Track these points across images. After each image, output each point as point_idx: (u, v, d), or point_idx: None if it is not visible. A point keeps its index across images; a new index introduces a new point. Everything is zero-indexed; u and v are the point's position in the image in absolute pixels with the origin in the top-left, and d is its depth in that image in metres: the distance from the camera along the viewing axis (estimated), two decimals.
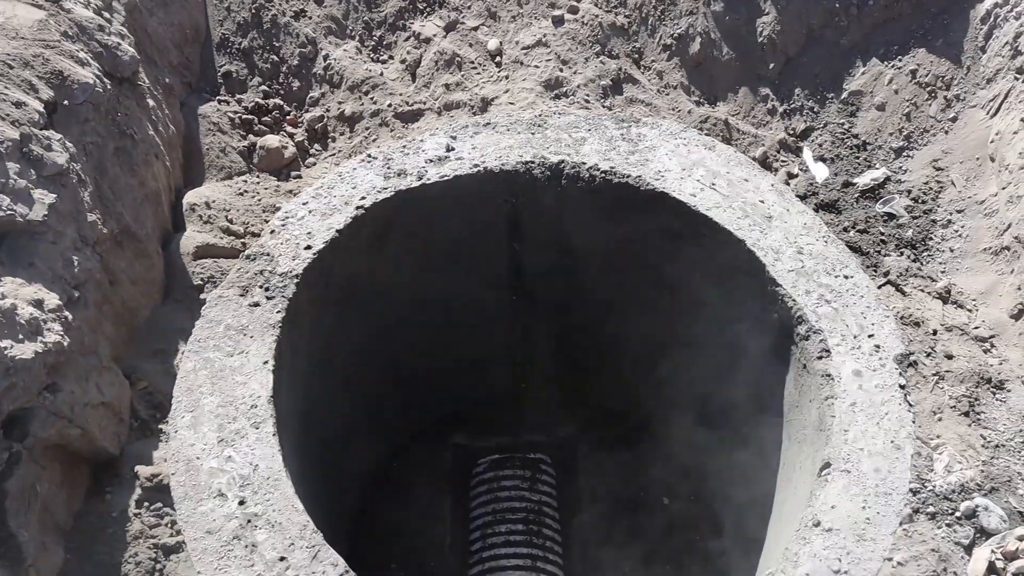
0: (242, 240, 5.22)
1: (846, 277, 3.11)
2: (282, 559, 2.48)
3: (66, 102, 4.31)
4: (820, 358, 2.96)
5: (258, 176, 5.73)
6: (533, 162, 3.41)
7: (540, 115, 3.59)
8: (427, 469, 4.60)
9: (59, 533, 3.90)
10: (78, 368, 3.98)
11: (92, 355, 4.12)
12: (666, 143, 3.49)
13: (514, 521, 4.24)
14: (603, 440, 4.68)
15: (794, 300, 3.06)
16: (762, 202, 3.30)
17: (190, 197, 5.33)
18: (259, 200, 5.51)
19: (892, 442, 2.76)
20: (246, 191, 5.55)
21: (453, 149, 3.45)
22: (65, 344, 3.80)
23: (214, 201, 5.34)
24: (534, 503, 4.33)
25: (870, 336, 2.97)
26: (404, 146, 3.48)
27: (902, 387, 2.87)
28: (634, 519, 4.46)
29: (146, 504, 4.11)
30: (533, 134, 3.52)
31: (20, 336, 3.59)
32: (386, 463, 4.61)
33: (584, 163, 3.40)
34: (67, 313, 3.90)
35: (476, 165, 3.40)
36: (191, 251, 5.04)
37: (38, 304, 3.76)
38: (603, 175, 3.38)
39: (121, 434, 4.27)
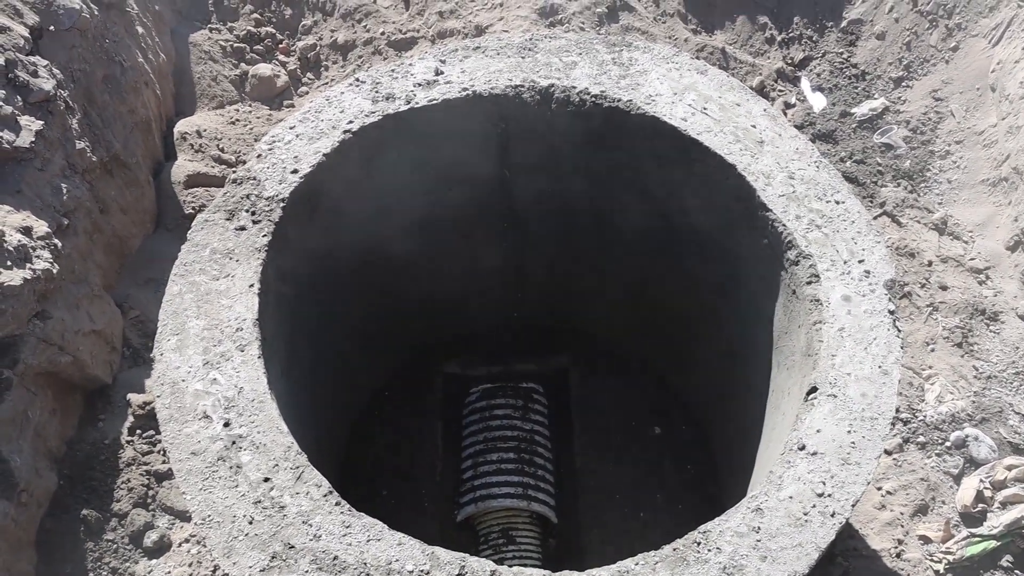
0: (233, 169, 5.18)
1: (837, 202, 3.08)
2: (266, 480, 2.49)
3: (52, 27, 4.25)
4: (809, 283, 2.94)
5: (250, 105, 5.67)
6: (523, 86, 3.36)
7: (531, 39, 3.53)
8: (419, 397, 4.62)
9: (52, 459, 3.92)
10: (68, 296, 3.97)
11: (82, 283, 4.11)
12: (658, 67, 3.44)
13: (505, 450, 4.25)
14: (595, 369, 4.69)
15: (784, 225, 3.03)
16: (754, 127, 3.26)
17: (181, 126, 5.29)
18: (251, 129, 5.46)
19: (880, 367, 2.75)
20: (238, 120, 5.50)
21: (442, 73, 3.40)
22: (55, 272, 3.78)
23: (205, 130, 5.30)
24: (526, 432, 4.34)
25: (860, 262, 2.95)
26: (393, 70, 3.43)
27: (891, 312, 2.85)
28: (625, 448, 4.48)
29: (139, 431, 4.13)
30: (523, 58, 3.46)
31: (9, 263, 3.58)
32: (378, 391, 4.62)
33: (574, 87, 3.35)
34: (56, 241, 3.88)
35: (465, 89, 3.35)
36: (182, 180, 5.00)
37: (27, 231, 3.74)
38: (593, 99, 3.34)
39: (113, 362, 4.28)
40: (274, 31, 6.02)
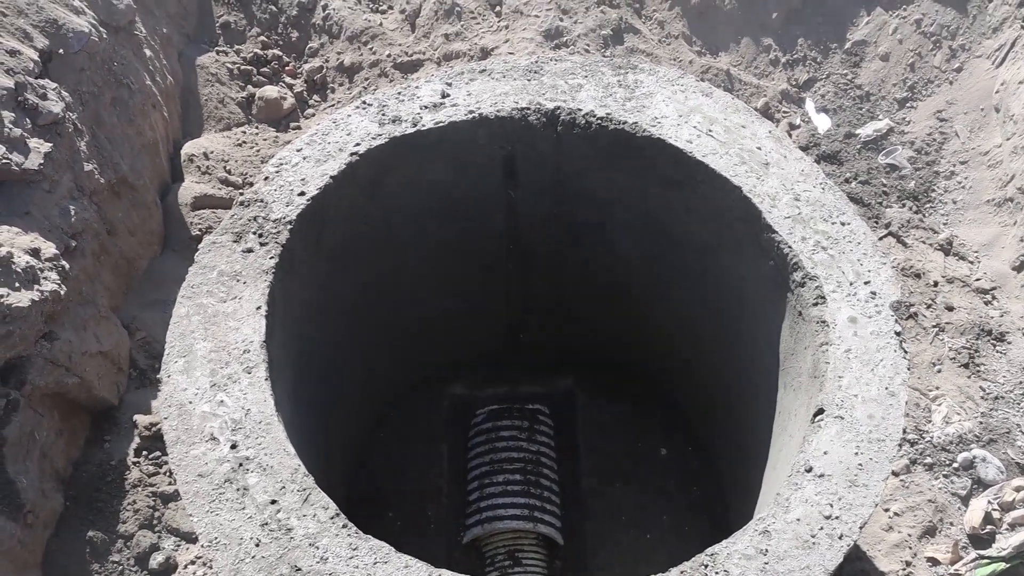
0: (240, 191, 5.19)
1: (843, 224, 3.09)
2: (273, 502, 2.49)
3: (61, 51, 4.28)
4: (815, 305, 2.94)
5: (257, 127, 5.70)
6: (529, 108, 3.38)
7: (536, 61, 3.55)
8: (425, 419, 4.61)
9: (58, 480, 3.92)
10: (75, 317, 3.98)
11: (90, 304, 4.12)
12: (663, 89, 3.45)
13: (512, 471, 4.25)
14: (601, 390, 4.68)
15: (790, 247, 3.03)
16: (759, 149, 3.27)
17: (188, 148, 5.31)
18: (258, 151, 5.48)
19: (886, 389, 2.75)
20: (245, 142, 5.53)
21: (448, 95, 3.42)
22: (62, 293, 3.80)
23: (212, 152, 5.32)
24: (532, 453, 4.34)
25: (866, 283, 2.95)
26: (399, 92, 3.44)
27: (898, 334, 2.85)
28: (631, 469, 4.47)
29: (145, 453, 4.13)
30: (529, 80, 3.48)
31: (17, 284, 3.59)
32: (384, 412, 4.62)
33: (580, 109, 3.37)
34: (64, 262, 3.89)
35: (471, 111, 3.36)
36: (189, 202, 5.02)
37: (35, 253, 3.76)
38: (599, 121, 3.35)
39: (120, 384, 4.29)
40: (281, 53, 6.06)
